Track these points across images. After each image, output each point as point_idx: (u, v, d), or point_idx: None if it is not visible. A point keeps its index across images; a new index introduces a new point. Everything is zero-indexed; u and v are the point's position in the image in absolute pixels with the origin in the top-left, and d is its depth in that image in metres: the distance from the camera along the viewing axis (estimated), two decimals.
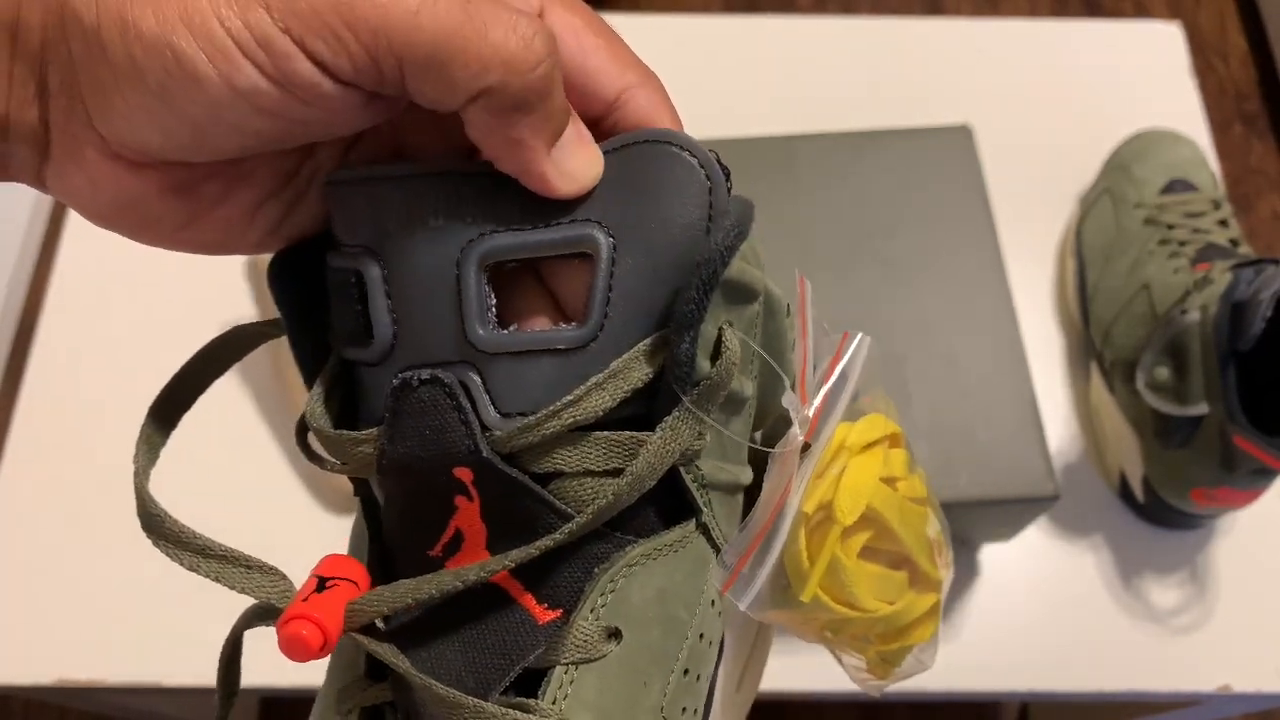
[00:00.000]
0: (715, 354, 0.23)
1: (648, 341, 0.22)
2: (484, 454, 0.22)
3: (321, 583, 0.22)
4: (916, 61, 0.81)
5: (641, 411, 0.23)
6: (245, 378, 0.67)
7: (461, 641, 0.23)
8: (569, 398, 0.21)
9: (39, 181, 0.22)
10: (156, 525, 0.23)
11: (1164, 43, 0.82)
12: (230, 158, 0.22)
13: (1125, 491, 0.65)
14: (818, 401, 0.30)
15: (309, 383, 0.24)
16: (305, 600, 0.22)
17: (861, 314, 0.59)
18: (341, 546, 0.25)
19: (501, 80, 0.19)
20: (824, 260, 0.60)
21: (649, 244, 0.22)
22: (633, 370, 0.22)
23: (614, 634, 0.23)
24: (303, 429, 0.25)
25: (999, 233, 0.62)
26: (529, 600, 0.23)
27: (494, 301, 0.22)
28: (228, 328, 0.26)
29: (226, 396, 0.67)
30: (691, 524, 0.24)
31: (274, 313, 0.25)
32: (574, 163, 0.21)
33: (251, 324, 0.26)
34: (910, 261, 0.60)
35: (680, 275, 0.22)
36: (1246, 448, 0.55)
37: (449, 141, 0.24)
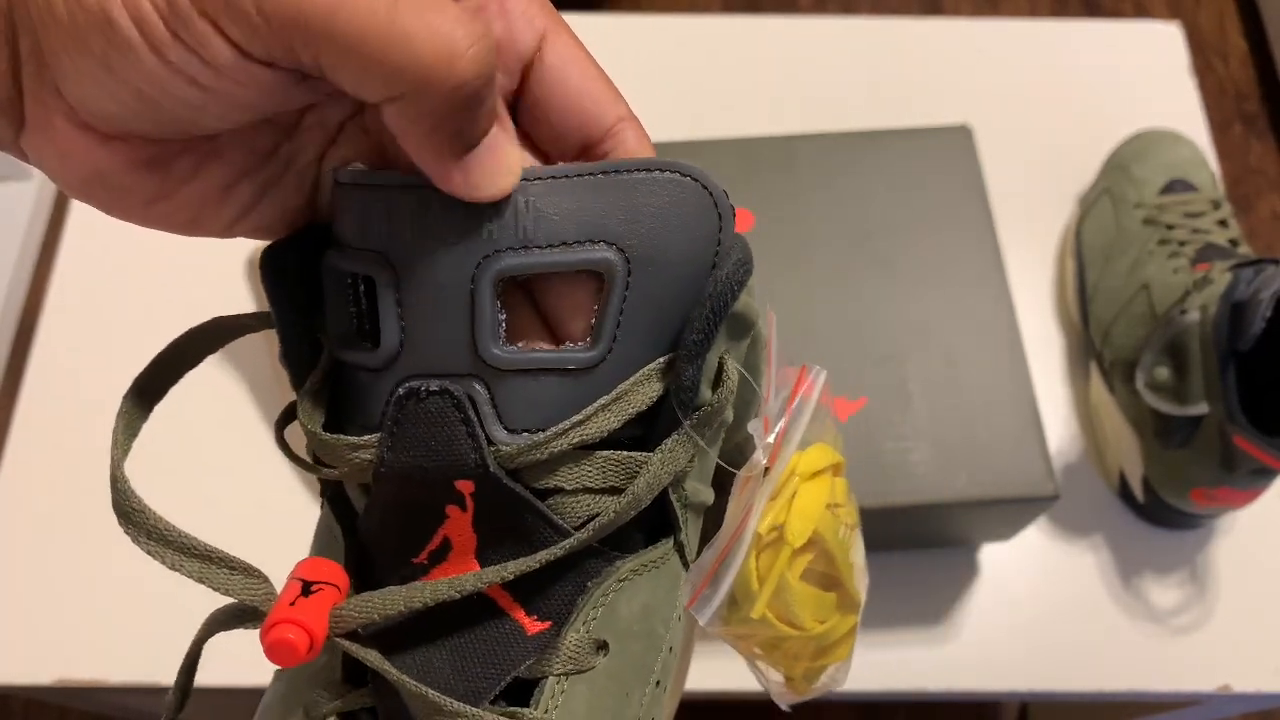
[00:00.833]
0: (715, 382, 0.24)
1: (653, 366, 0.23)
2: (490, 468, 0.22)
3: (306, 587, 0.22)
4: (916, 61, 0.81)
5: (639, 433, 0.23)
6: (244, 377, 0.67)
7: (449, 649, 0.23)
8: (578, 417, 0.22)
9: (18, 150, 0.22)
10: (137, 519, 0.22)
11: (1164, 43, 0.83)
12: (191, 132, 0.22)
13: (1125, 491, 0.65)
14: (779, 429, 0.32)
15: (296, 380, 0.24)
16: (293, 604, 0.21)
17: (861, 314, 0.59)
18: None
19: (415, 90, 0.19)
20: (824, 260, 0.60)
21: (660, 271, 0.22)
22: (638, 393, 0.22)
23: (602, 646, 0.23)
24: (283, 425, 0.25)
25: (999, 233, 0.62)
26: (518, 610, 0.23)
27: (504, 318, 0.22)
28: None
29: (226, 395, 0.67)
30: (670, 541, 0.25)
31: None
32: (481, 173, 0.21)
33: (232, 316, 0.25)
34: (910, 261, 0.60)
35: (685, 304, 0.22)
36: (1246, 448, 0.55)
37: None
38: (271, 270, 0.24)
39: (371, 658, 0.22)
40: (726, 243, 0.23)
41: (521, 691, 0.23)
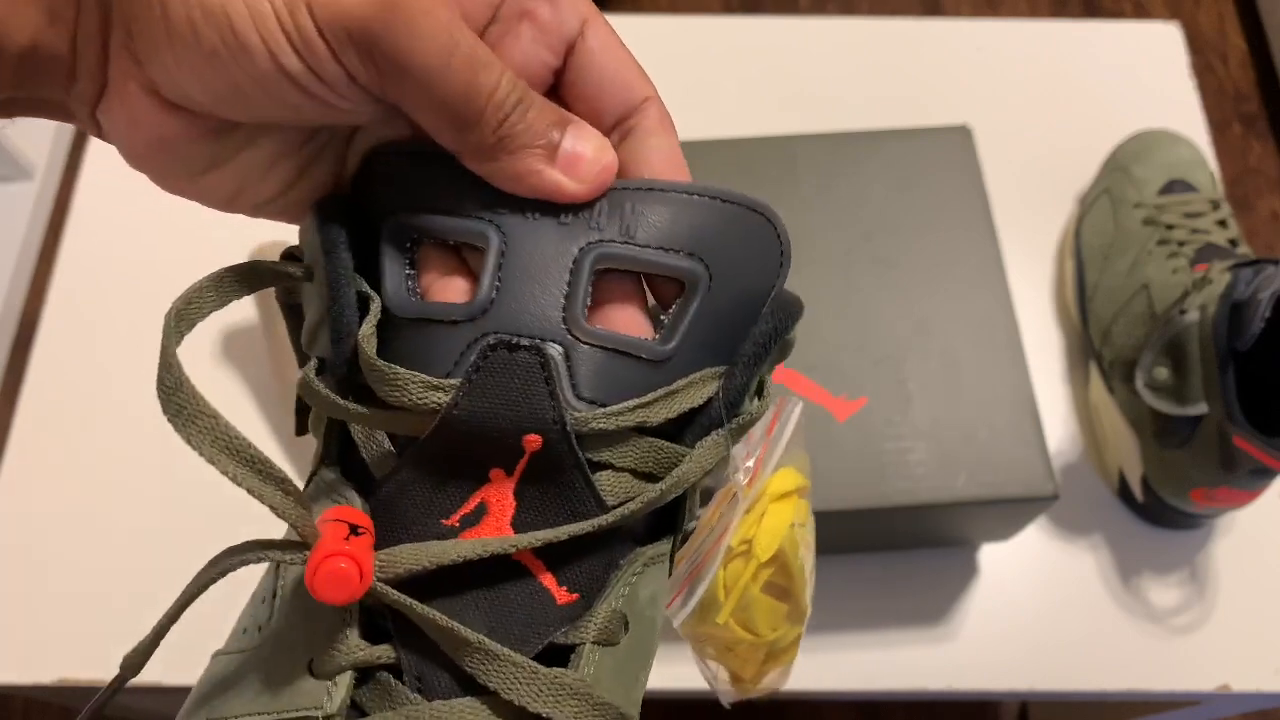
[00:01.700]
0: (757, 394, 0.26)
1: (712, 370, 0.25)
2: (567, 424, 0.23)
3: (354, 529, 0.22)
4: (916, 61, 0.81)
5: (673, 430, 0.25)
6: (245, 376, 0.67)
7: (482, 609, 0.23)
8: (645, 399, 0.24)
9: (91, 121, 0.24)
10: (189, 412, 0.21)
11: (1163, 43, 0.83)
12: (265, 120, 0.23)
13: (1124, 491, 0.65)
14: (759, 453, 0.36)
15: (339, 331, 0.24)
16: (346, 540, 0.21)
17: (861, 314, 0.59)
18: None
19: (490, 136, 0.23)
20: (824, 260, 0.60)
21: (730, 289, 0.25)
22: (694, 392, 0.24)
23: (625, 625, 0.24)
24: (306, 385, 0.24)
25: (998, 233, 0.62)
26: (549, 579, 0.24)
27: (591, 299, 0.24)
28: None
29: (226, 394, 0.67)
30: (669, 540, 0.27)
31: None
32: (581, 168, 0.24)
33: (269, 261, 0.26)
34: (910, 261, 0.60)
35: (742, 322, 0.25)
36: (1245, 448, 0.55)
37: None
38: (330, 215, 0.25)
39: (415, 606, 0.22)
40: (783, 279, 0.26)
41: (551, 660, 0.23)
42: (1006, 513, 0.57)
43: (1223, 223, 0.66)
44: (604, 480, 0.24)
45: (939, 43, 0.82)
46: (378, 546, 0.23)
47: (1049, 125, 0.79)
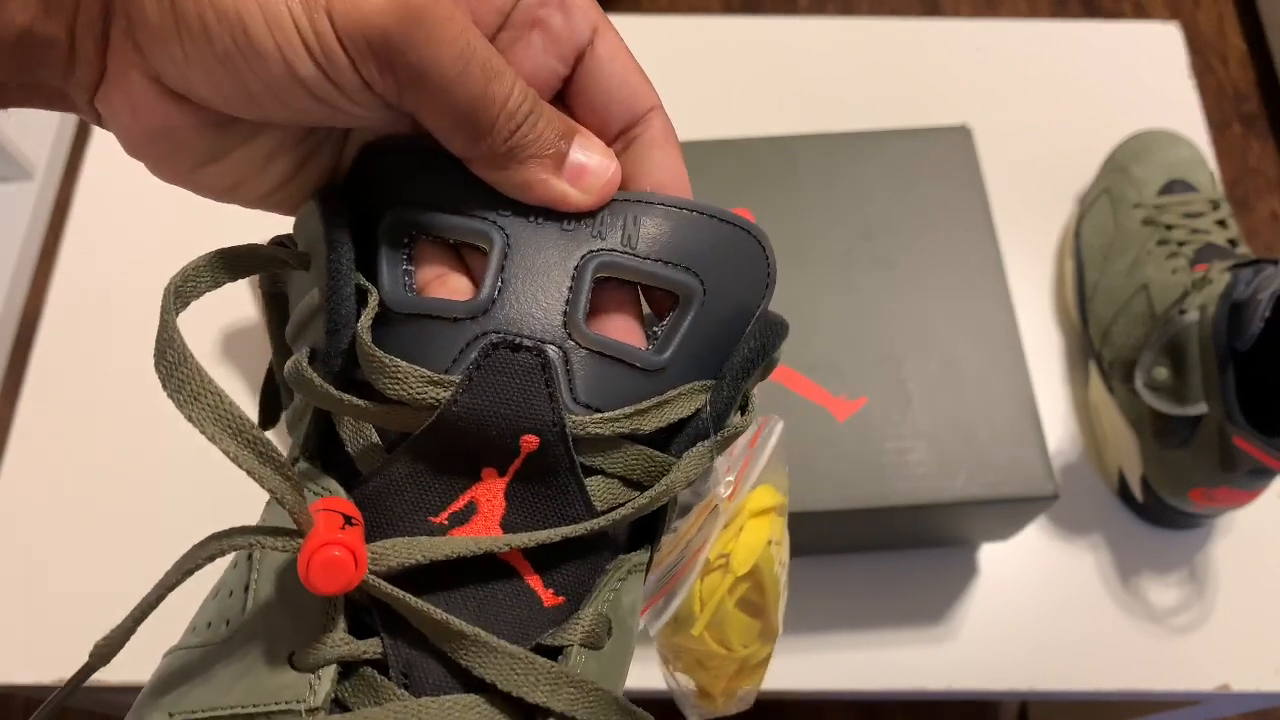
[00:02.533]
0: (741, 409, 0.27)
1: (702, 383, 0.25)
2: (566, 427, 0.23)
3: (347, 519, 0.22)
4: (916, 62, 0.81)
5: (661, 439, 0.25)
6: (244, 376, 0.67)
7: (470, 608, 0.23)
8: (640, 406, 0.24)
9: (89, 109, 0.23)
10: (190, 385, 0.21)
11: (1163, 43, 0.83)
12: (272, 120, 0.23)
13: (1124, 491, 0.65)
14: (740, 469, 0.36)
15: (337, 321, 0.24)
16: (342, 529, 0.21)
17: (861, 314, 0.59)
18: None
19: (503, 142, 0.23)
20: (824, 260, 0.60)
21: (722, 304, 0.25)
22: (684, 403, 0.25)
23: (609, 630, 0.24)
24: (296, 374, 0.24)
25: (998, 233, 0.62)
26: (536, 580, 0.24)
27: (589, 306, 0.25)
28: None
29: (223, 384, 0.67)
30: (648, 550, 0.27)
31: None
32: (587, 179, 0.24)
33: (268, 245, 0.26)
34: (910, 262, 0.60)
35: (730, 337, 0.26)
36: (1245, 448, 0.55)
37: None
38: (333, 205, 0.25)
39: (409, 599, 0.22)
40: (768, 298, 0.27)
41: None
42: (1006, 513, 0.57)
43: (1222, 223, 0.66)
44: (594, 485, 0.24)
45: (939, 43, 0.82)
46: (369, 535, 0.23)
47: (1049, 125, 0.79)
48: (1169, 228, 0.66)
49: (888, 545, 0.63)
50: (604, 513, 0.24)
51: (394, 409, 0.23)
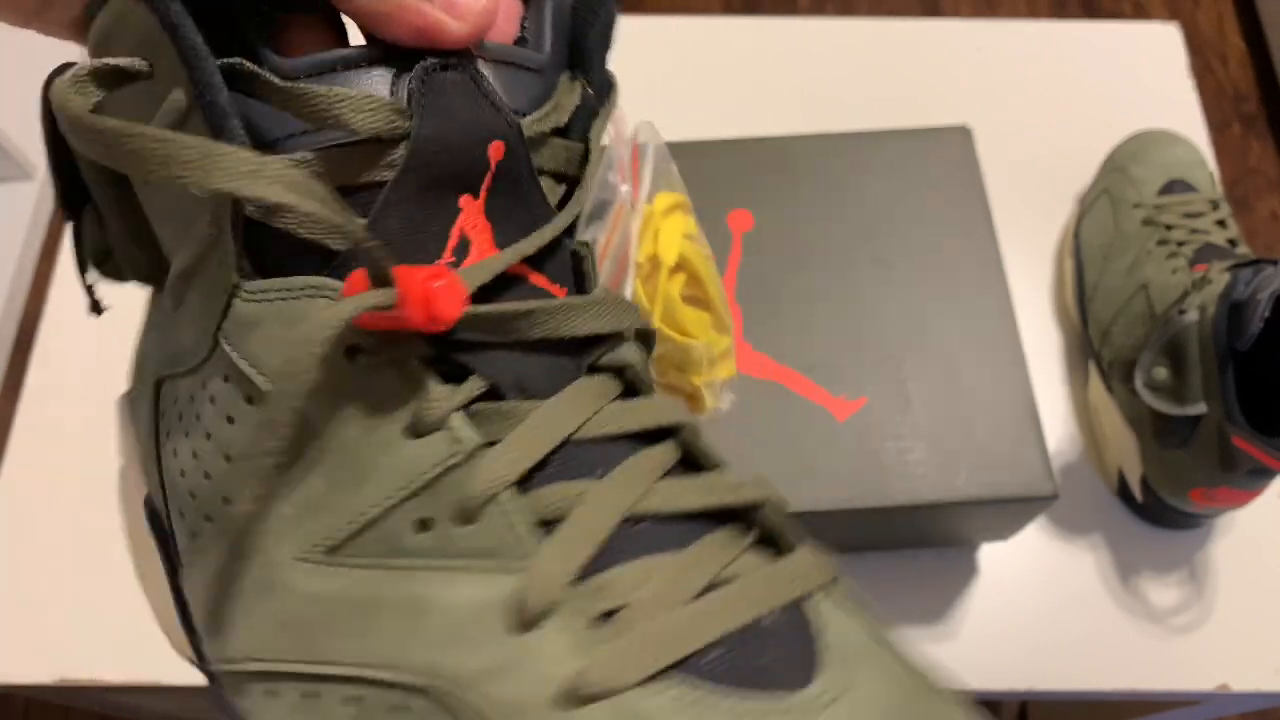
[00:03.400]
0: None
1: (569, 73, 0.26)
2: (522, 129, 0.23)
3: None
4: (915, 62, 0.82)
5: (561, 132, 0.26)
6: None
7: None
8: (550, 104, 0.24)
9: None
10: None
11: (1162, 43, 0.83)
12: None
13: (1124, 491, 0.65)
14: (631, 175, 0.42)
15: (216, 112, 0.21)
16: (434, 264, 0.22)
17: (861, 314, 0.59)
18: None
19: None
20: (823, 260, 0.60)
21: None
22: (570, 95, 0.25)
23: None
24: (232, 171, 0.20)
25: (998, 233, 0.62)
26: (541, 279, 0.24)
27: None
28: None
29: None
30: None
31: None
32: (460, 6, 0.22)
33: (110, 61, 0.22)
34: (909, 262, 0.60)
35: (570, 26, 0.26)
36: (1245, 448, 0.55)
37: None
38: None
39: (507, 307, 0.22)
40: None
41: None
42: (1006, 512, 0.57)
43: (1222, 223, 0.66)
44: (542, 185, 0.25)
45: (939, 43, 0.82)
46: None
47: (1049, 125, 0.79)
48: (1169, 228, 0.66)
49: (887, 545, 0.63)
50: (561, 205, 0.25)
51: (353, 152, 0.21)
